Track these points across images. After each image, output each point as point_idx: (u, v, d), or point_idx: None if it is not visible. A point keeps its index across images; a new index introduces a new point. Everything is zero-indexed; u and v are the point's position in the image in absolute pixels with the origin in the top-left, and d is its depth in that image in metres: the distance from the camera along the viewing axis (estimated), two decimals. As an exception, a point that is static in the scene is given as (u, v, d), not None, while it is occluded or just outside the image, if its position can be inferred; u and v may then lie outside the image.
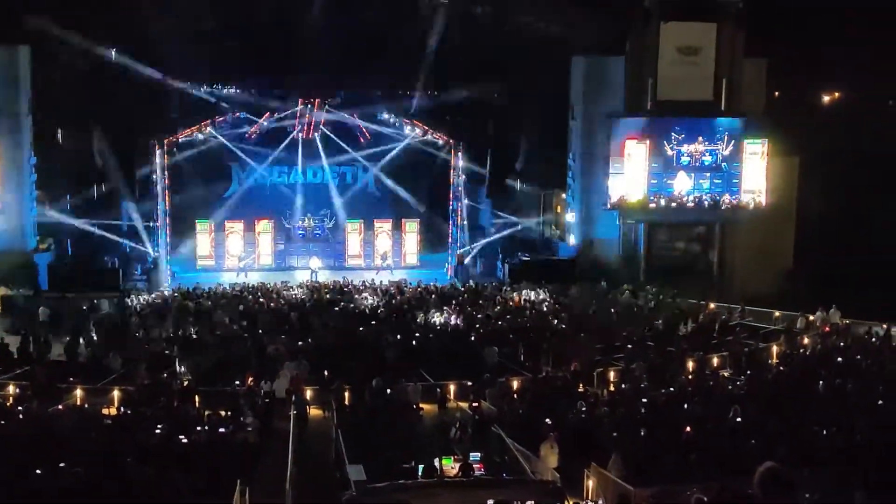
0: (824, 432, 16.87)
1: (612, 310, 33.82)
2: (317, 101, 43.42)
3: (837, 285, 34.23)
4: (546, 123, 44.70)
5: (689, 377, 23.83)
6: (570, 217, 44.45)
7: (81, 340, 27.98)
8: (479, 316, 31.98)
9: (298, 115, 43.61)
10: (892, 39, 37.35)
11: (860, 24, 37.52)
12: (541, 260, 44.44)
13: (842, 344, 26.71)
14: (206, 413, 20.29)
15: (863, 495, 11.49)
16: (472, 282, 41.20)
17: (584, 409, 19.98)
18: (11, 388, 22.79)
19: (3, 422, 18.89)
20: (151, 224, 42.20)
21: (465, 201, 44.90)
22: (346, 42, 40.12)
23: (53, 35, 37.29)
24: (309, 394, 23.06)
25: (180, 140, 42.48)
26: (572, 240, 44.21)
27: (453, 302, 34.88)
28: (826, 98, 45.76)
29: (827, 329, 29.61)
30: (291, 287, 38.79)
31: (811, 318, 30.90)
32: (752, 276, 40.63)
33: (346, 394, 22.39)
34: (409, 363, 25.39)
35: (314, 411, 22.69)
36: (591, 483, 15.60)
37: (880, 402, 19.03)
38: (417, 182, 45.19)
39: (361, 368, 24.00)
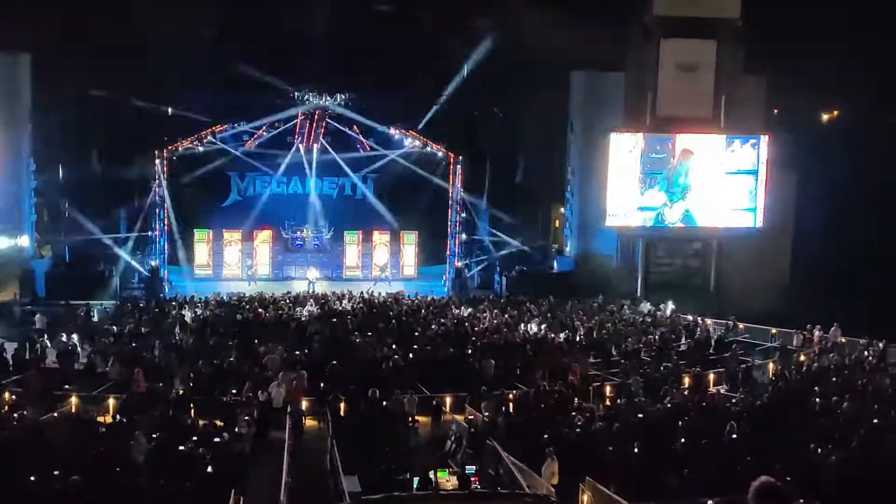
0: (819, 450, 16.85)
1: (609, 324, 33.77)
2: (317, 112, 43.47)
3: (834, 302, 34.26)
4: (545, 137, 44.76)
5: (686, 393, 23.85)
6: (568, 231, 44.57)
7: (77, 348, 27.92)
8: (476, 329, 31.95)
9: (298, 125, 43.67)
10: (892, 58, 37.46)
11: (861, 42, 37.61)
12: (538, 273, 44.52)
13: (833, 365, 26.69)
14: (202, 422, 20.27)
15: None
16: (470, 293, 41.22)
17: (579, 423, 19.96)
18: (6, 395, 22.74)
19: (-2, 428, 18.84)
20: (150, 233, 42.23)
21: (464, 214, 44.92)
22: (345, 54, 40.21)
23: (54, 42, 37.20)
24: (305, 404, 23.06)
25: (180, 149, 42.50)
26: (569, 253, 44.29)
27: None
28: (825, 116, 45.88)
29: (819, 346, 29.59)
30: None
31: (807, 335, 30.92)
32: (749, 292, 40.64)
33: (342, 405, 22.38)
34: (406, 375, 25.37)
35: (310, 422, 22.69)
36: (585, 498, 15.59)
37: (874, 420, 19.01)
38: (416, 194, 45.15)
39: (357, 379, 23.99)
